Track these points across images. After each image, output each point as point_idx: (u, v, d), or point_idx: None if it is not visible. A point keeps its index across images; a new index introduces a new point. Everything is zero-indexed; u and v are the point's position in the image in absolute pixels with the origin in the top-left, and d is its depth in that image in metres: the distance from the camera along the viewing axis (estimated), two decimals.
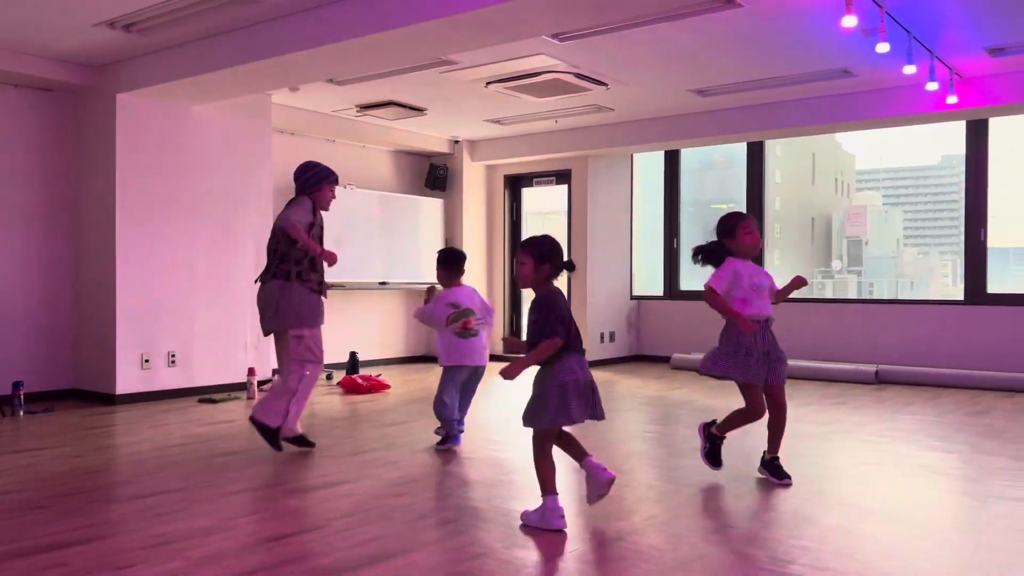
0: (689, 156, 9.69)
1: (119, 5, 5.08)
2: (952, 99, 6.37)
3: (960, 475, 4.21)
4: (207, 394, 6.64)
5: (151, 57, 6.08)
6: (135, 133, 6.42)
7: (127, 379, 6.36)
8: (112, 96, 6.33)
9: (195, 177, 6.77)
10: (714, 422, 4.11)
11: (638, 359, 9.57)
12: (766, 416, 3.90)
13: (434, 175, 9.43)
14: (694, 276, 9.40)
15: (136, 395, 6.39)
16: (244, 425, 5.49)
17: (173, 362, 6.62)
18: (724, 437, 4.08)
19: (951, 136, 7.99)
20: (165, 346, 6.57)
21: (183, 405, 6.26)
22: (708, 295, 3.87)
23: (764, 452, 3.99)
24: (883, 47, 4.95)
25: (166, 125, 6.59)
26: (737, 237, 3.91)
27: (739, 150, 9.09)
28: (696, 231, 10.35)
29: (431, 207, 9.34)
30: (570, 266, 3.25)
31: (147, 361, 6.46)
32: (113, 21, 5.36)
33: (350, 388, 6.99)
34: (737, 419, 3.95)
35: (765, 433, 3.93)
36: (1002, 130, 7.72)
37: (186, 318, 6.69)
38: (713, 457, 4.08)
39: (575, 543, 3.01)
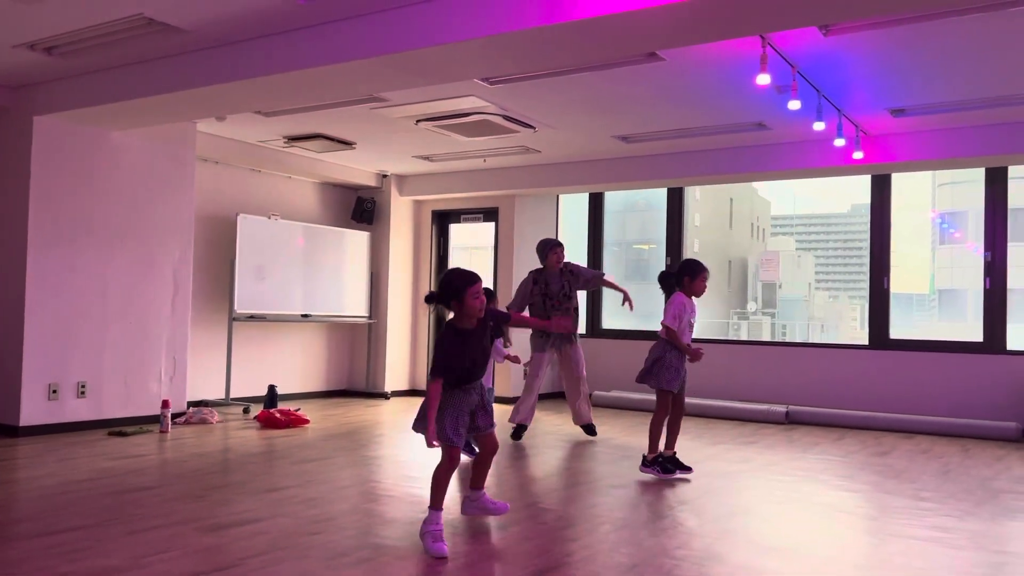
0: (612, 198, 9.94)
1: (41, 28, 4.97)
2: (858, 154, 6.74)
3: (862, 513, 4.40)
4: (118, 427, 6.43)
5: (72, 80, 5.95)
6: (51, 156, 6.25)
7: (32, 410, 6.11)
8: (29, 118, 6.16)
9: (113, 203, 6.61)
10: (644, 458, 5.06)
11: (560, 396, 9.65)
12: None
13: (361, 208, 9.42)
14: (616, 315, 9.60)
15: (42, 427, 6.14)
16: (156, 459, 5.35)
17: (83, 393, 6.40)
18: (672, 452, 5.07)
19: (860, 186, 8.42)
20: (75, 376, 6.35)
21: (92, 438, 6.04)
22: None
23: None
24: (795, 104, 5.23)
25: (84, 149, 6.43)
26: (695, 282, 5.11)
27: (660, 194, 9.37)
28: (619, 270, 10.59)
29: (357, 240, 9.32)
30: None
31: (55, 391, 6.23)
32: (34, 43, 5.24)
33: (268, 422, 6.86)
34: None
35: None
36: (904, 183, 8.19)
37: (98, 347, 6.49)
38: (681, 467, 5.03)
39: None
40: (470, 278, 3.51)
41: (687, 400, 5.31)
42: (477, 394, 3.60)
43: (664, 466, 4.99)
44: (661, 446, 5.06)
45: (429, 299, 3.56)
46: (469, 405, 3.56)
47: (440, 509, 3.46)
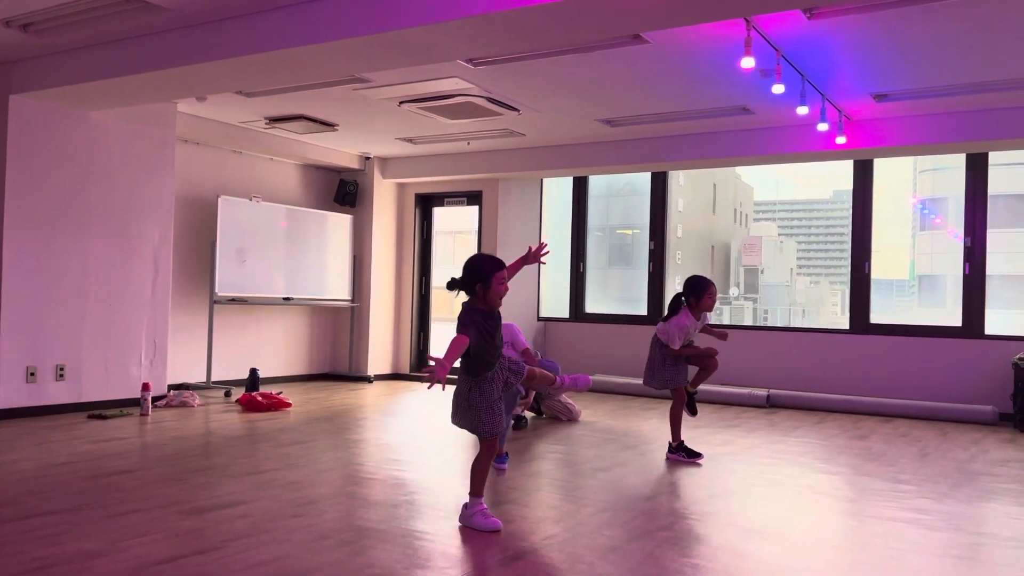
0: (596, 183, 9.92)
1: (17, 4, 4.87)
2: (841, 139, 6.76)
3: (842, 496, 4.44)
4: (97, 410, 6.37)
5: (50, 59, 5.85)
6: (28, 136, 6.15)
7: (10, 393, 6.04)
8: (4, 97, 6.05)
9: (91, 185, 6.52)
10: (670, 444, 5.10)
11: None
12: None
13: (344, 191, 9.35)
14: (599, 300, 9.62)
15: (20, 410, 6.08)
16: (136, 443, 5.31)
17: (62, 376, 6.33)
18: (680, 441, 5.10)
19: (842, 173, 8.45)
20: (53, 359, 6.29)
21: (71, 421, 5.99)
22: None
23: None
24: (779, 88, 5.22)
25: (62, 129, 6.34)
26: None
27: (644, 178, 9.37)
28: (602, 255, 10.59)
29: (339, 223, 9.26)
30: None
31: (33, 374, 6.16)
32: (9, 20, 5.14)
33: (249, 406, 6.83)
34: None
35: (658, 457, 4.09)
36: (886, 169, 8.23)
37: (77, 330, 6.42)
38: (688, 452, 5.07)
39: (474, 562, 3.04)
40: (498, 263, 3.52)
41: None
42: (503, 370, 3.54)
43: (688, 451, 5.08)
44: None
45: (451, 285, 3.48)
46: (499, 388, 3.51)
47: (481, 495, 3.47)
